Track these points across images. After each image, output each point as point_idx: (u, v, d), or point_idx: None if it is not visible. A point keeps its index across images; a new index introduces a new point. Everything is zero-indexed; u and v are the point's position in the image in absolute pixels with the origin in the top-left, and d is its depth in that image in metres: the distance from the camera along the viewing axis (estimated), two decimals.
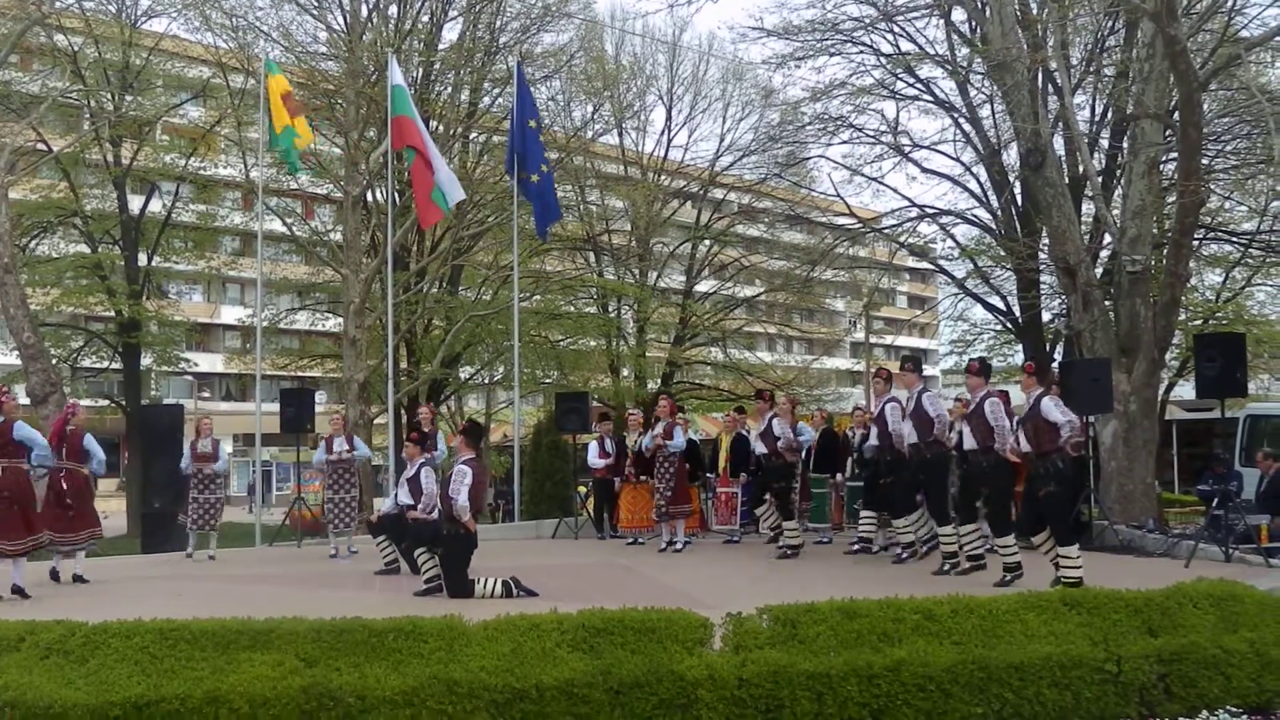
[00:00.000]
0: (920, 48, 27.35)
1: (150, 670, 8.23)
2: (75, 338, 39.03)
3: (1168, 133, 21.10)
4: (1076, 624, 9.12)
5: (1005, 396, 14.45)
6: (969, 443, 13.37)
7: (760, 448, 17.47)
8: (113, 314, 36.98)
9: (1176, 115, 19.95)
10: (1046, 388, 13.15)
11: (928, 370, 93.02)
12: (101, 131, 35.23)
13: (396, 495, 15.17)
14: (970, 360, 14.27)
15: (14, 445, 13.75)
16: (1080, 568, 12.11)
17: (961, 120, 29.01)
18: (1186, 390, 30.66)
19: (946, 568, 14.24)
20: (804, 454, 18.45)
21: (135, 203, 37.52)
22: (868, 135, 29.79)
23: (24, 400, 32.56)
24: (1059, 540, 12.40)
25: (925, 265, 39.30)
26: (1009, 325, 31.68)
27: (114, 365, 39.04)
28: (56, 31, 33.81)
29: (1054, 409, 12.41)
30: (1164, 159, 22.35)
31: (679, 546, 18.27)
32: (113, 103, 35.63)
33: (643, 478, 19.85)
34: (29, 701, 8.07)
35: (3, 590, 13.54)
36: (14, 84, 34.62)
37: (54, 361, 30.98)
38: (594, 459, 20.73)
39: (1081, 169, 24.40)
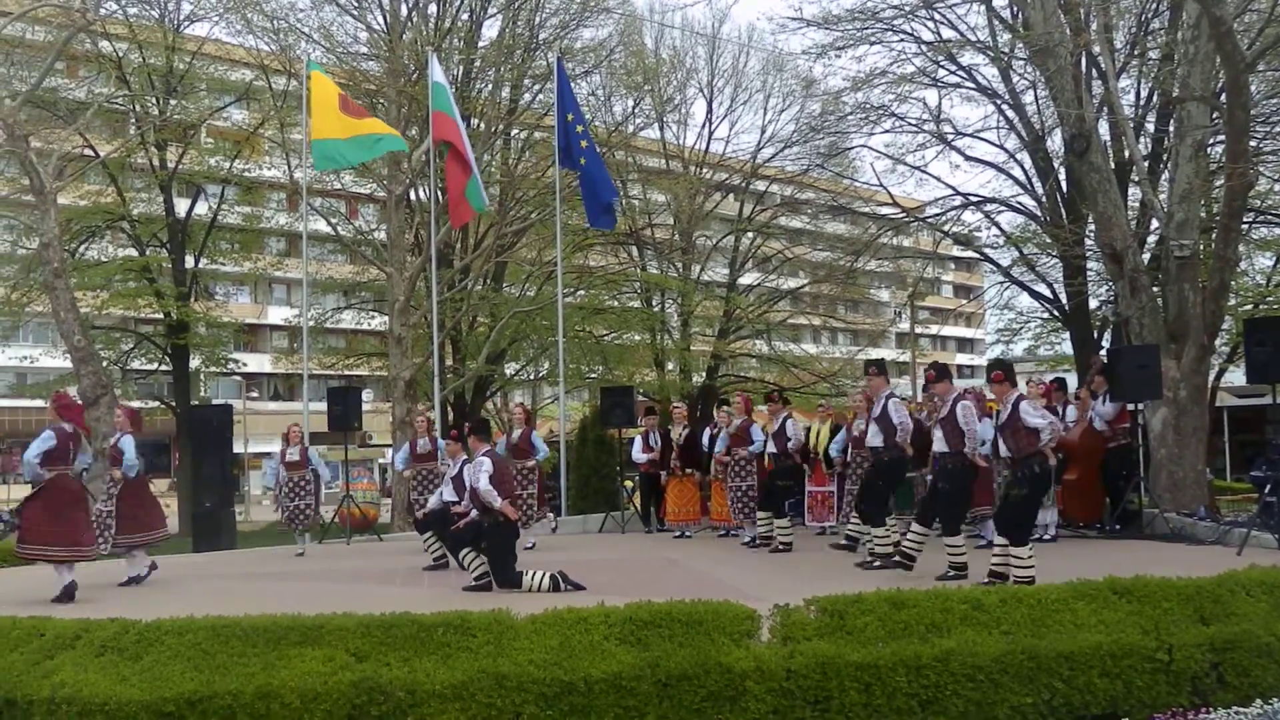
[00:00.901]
0: (961, 34, 27.15)
1: (203, 666, 8.34)
2: (125, 340, 39.41)
3: (1214, 115, 20.86)
4: (1127, 613, 9.07)
5: (979, 396, 14.36)
6: (938, 446, 13.13)
7: (771, 447, 17.39)
8: (161, 316, 37.31)
9: (1223, 97, 19.78)
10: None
11: (975, 360, 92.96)
12: (147, 136, 35.55)
13: (442, 492, 15.25)
14: (927, 369, 14.09)
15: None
16: (1032, 569, 11.87)
17: (1004, 107, 28.87)
18: (1237, 376, 30.36)
19: (876, 564, 14.16)
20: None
21: (181, 206, 37.83)
22: (910, 124, 29.68)
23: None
24: (1013, 541, 12.18)
25: (970, 254, 39.03)
26: (1055, 313, 31.48)
27: (163, 367, 39.40)
28: (101, 38, 34.12)
29: (1032, 413, 12.15)
30: (1211, 142, 22.13)
31: (756, 542, 18.11)
32: (157, 107, 35.96)
33: (688, 470, 19.84)
34: (85, 698, 8.20)
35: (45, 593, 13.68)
36: (61, 91, 34.91)
37: (104, 364, 31.23)
38: (638, 453, 20.72)
39: (1127, 153, 24.23)
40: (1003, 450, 12.45)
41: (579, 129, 23.68)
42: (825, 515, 19.47)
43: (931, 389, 13.89)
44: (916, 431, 14.86)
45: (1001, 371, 12.74)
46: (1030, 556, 12.03)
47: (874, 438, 14.49)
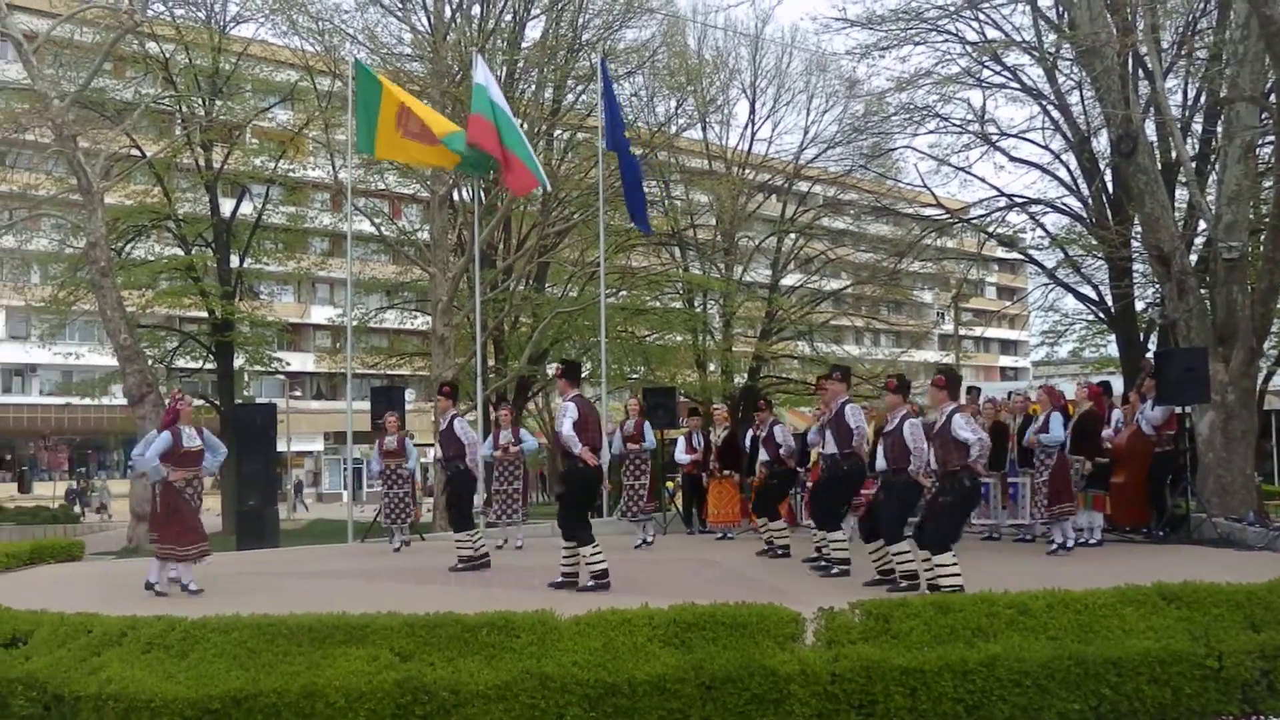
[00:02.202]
0: (1006, 35, 27.07)
1: (248, 664, 8.36)
2: (170, 338, 39.64)
3: (1264, 115, 20.71)
4: (1175, 619, 8.99)
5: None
6: (880, 462, 13.03)
7: (763, 454, 17.32)
8: (206, 315, 37.53)
9: (1273, 97, 19.64)
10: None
11: (1019, 362, 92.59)
12: (193, 136, 35.77)
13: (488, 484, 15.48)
14: (889, 378, 13.79)
15: (196, 452, 13.98)
16: (959, 575, 11.77)
17: (1050, 107, 28.72)
18: None
19: (835, 571, 14.17)
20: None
21: (226, 205, 38.05)
22: (954, 124, 29.59)
23: (120, 400, 33.18)
24: (934, 548, 12.02)
25: (1014, 255, 38.97)
26: (1101, 315, 31.30)
27: (208, 365, 39.60)
28: (148, 39, 34.38)
29: (963, 427, 11.88)
30: (1260, 142, 21.98)
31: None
32: (203, 108, 36.19)
33: (726, 472, 19.77)
34: (131, 694, 8.23)
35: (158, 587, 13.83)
36: (108, 91, 35.14)
37: (149, 362, 31.43)
38: (681, 454, 20.69)
39: (1174, 154, 24.06)
40: (931, 462, 12.25)
41: (627, 134, 23.54)
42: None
43: (885, 399, 13.70)
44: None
45: (944, 377, 12.57)
46: (955, 563, 11.90)
47: (829, 445, 14.33)
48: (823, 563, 14.61)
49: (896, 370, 44.89)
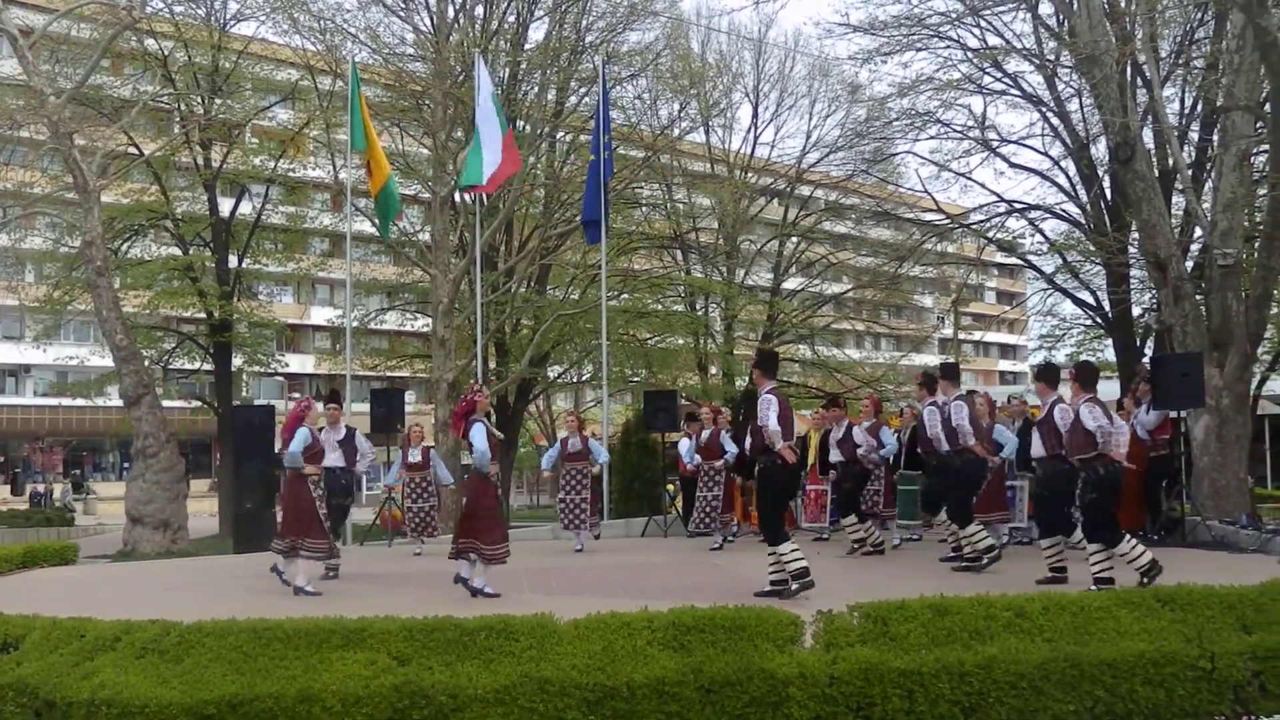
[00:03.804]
0: (1007, 42, 27.11)
1: (244, 669, 8.36)
2: (167, 339, 39.54)
3: (1259, 125, 20.78)
4: (1169, 621, 9.04)
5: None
6: (1038, 450, 13.16)
7: (836, 454, 17.36)
8: (204, 315, 37.45)
9: (1268, 107, 19.69)
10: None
11: (1017, 366, 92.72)
12: (192, 135, 35.68)
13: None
14: (1033, 367, 14.12)
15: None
16: (1111, 568, 12.04)
17: (1050, 114, 28.76)
18: (1279, 385, 30.23)
19: (985, 562, 14.36)
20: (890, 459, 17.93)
21: (225, 205, 38.00)
22: (955, 130, 29.63)
23: (116, 401, 33.15)
24: (1088, 539, 12.27)
25: (1014, 260, 38.98)
26: (1099, 320, 31.34)
27: (205, 367, 39.53)
28: (147, 36, 34.28)
29: (1089, 416, 12.11)
30: (1255, 151, 22.02)
31: (897, 543, 18.09)
32: (203, 106, 36.11)
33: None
34: (125, 700, 8.21)
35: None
36: (105, 88, 35.07)
37: (146, 363, 31.37)
38: (688, 455, 20.65)
39: (1171, 162, 24.10)
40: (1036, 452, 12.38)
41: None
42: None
43: (1035, 387, 14.07)
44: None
45: (1075, 370, 12.87)
46: (1108, 559, 12.13)
47: (942, 444, 14.73)
48: (963, 562, 14.82)
49: (896, 372, 44.98)
